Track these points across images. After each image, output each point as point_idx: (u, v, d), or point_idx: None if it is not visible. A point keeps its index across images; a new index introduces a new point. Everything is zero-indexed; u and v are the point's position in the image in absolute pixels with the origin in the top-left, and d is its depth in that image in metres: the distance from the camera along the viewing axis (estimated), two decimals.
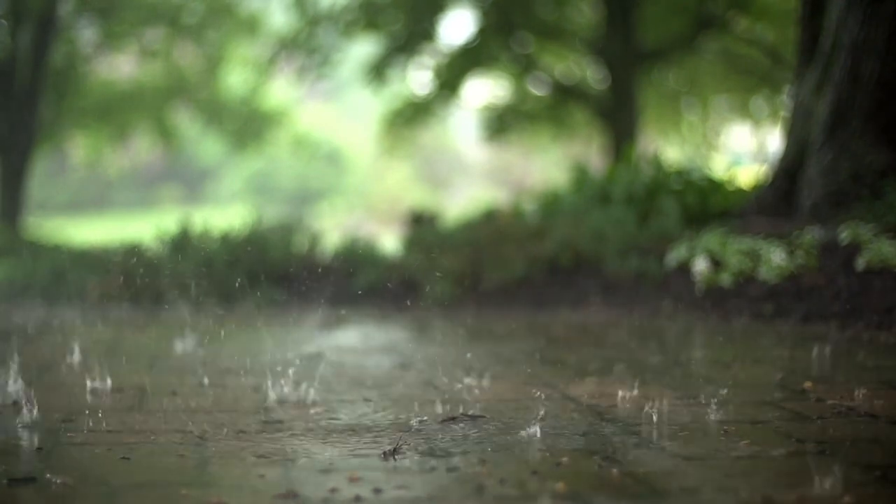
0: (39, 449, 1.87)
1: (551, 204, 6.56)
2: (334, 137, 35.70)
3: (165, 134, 17.69)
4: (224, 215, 8.10)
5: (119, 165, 23.63)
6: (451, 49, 15.81)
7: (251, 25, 17.07)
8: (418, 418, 2.20)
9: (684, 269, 5.08)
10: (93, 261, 6.44)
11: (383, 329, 4.72)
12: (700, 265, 4.93)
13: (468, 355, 3.40)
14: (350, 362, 3.31)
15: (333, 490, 1.57)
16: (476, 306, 5.43)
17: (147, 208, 33.57)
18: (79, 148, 19.22)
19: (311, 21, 15.40)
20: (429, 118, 17.05)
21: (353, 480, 1.63)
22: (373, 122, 19.69)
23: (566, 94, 15.45)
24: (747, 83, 16.13)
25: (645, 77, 15.22)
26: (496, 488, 1.58)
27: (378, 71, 15.42)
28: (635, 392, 2.49)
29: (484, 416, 2.07)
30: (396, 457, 1.80)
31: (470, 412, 2.22)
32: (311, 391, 2.56)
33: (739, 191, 6.49)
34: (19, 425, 2.11)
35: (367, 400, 2.48)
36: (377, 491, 1.56)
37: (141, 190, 36.70)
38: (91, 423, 2.13)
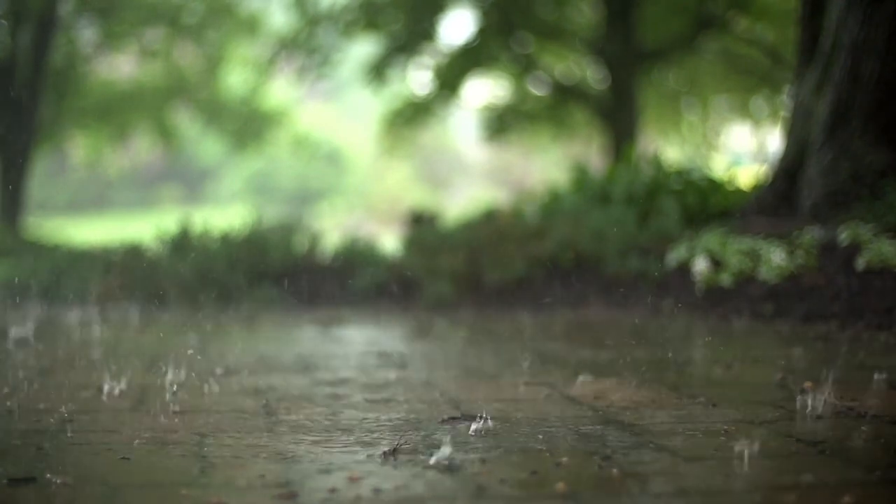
0: (39, 449, 1.87)
1: (551, 204, 6.56)
2: (334, 137, 35.73)
3: (165, 134, 17.70)
4: (224, 215, 8.10)
5: (119, 165, 23.66)
6: (451, 49, 15.82)
7: (251, 25, 17.08)
8: (418, 418, 2.20)
9: (684, 269, 5.08)
10: (93, 261, 6.44)
11: (383, 329, 4.72)
12: (700, 265, 4.93)
13: (468, 355, 3.40)
14: (350, 362, 3.31)
15: (333, 490, 1.57)
16: (476, 306, 5.44)
17: (147, 208, 33.59)
18: (79, 148, 19.24)
19: (311, 21, 15.42)
20: (429, 118, 17.06)
21: (353, 480, 1.63)
22: (373, 122, 19.69)
23: (566, 94, 15.46)
24: (747, 83, 16.14)
25: (645, 77, 15.24)
26: (496, 488, 1.58)
27: (378, 71, 15.43)
28: (635, 392, 2.49)
29: (484, 416, 2.07)
30: (396, 457, 1.80)
31: (470, 412, 2.22)
32: (311, 391, 2.55)
33: (739, 191, 6.50)
34: (19, 425, 2.11)
35: (367, 400, 2.48)
36: (377, 491, 1.56)
37: (141, 190, 36.72)
38: (91, 423, 2.13)
